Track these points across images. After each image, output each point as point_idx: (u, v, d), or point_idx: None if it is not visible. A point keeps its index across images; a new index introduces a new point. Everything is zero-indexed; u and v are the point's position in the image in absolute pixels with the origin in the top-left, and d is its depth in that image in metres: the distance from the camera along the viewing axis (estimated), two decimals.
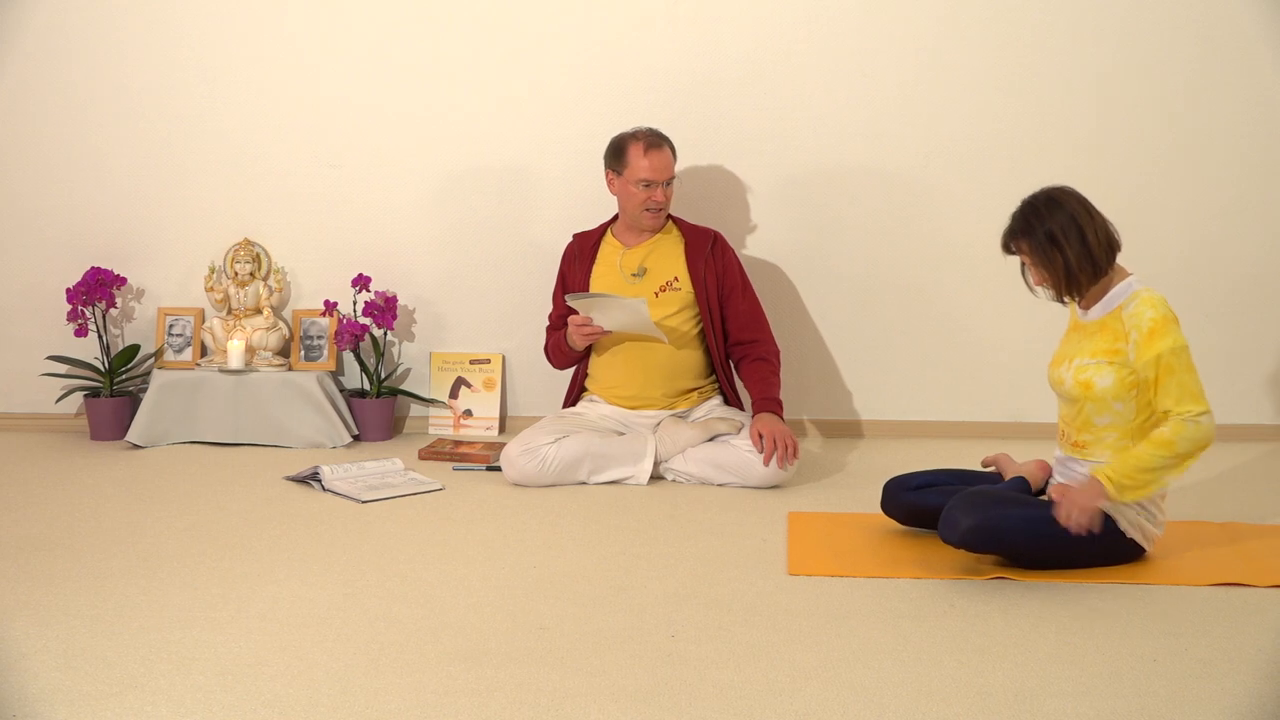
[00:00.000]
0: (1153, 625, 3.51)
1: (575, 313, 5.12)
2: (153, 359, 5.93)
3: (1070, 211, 3.90)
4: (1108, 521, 3.91)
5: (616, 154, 5.24)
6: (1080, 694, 3.06)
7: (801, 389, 5.87)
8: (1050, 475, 4.16)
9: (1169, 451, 3.81)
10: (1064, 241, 3.88)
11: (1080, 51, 5.75)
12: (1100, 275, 3.93)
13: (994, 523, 3.84)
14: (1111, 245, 3.94)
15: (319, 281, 5.98)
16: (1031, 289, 4.09)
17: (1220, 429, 5.72)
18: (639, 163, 5.17)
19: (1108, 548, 3.95)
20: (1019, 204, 4.00)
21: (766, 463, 4.92)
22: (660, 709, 2.95)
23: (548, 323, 5.46)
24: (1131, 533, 3.96)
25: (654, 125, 5.30)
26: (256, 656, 3.25)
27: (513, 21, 5.83)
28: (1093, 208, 3.94)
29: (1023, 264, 4.04)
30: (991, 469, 4.39)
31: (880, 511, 4.41)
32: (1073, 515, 3.81)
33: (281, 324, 5.89)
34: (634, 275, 5.24)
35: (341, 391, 5.89)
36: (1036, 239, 3.91)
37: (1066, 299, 4.03)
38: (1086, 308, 4.04)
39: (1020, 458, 4.38)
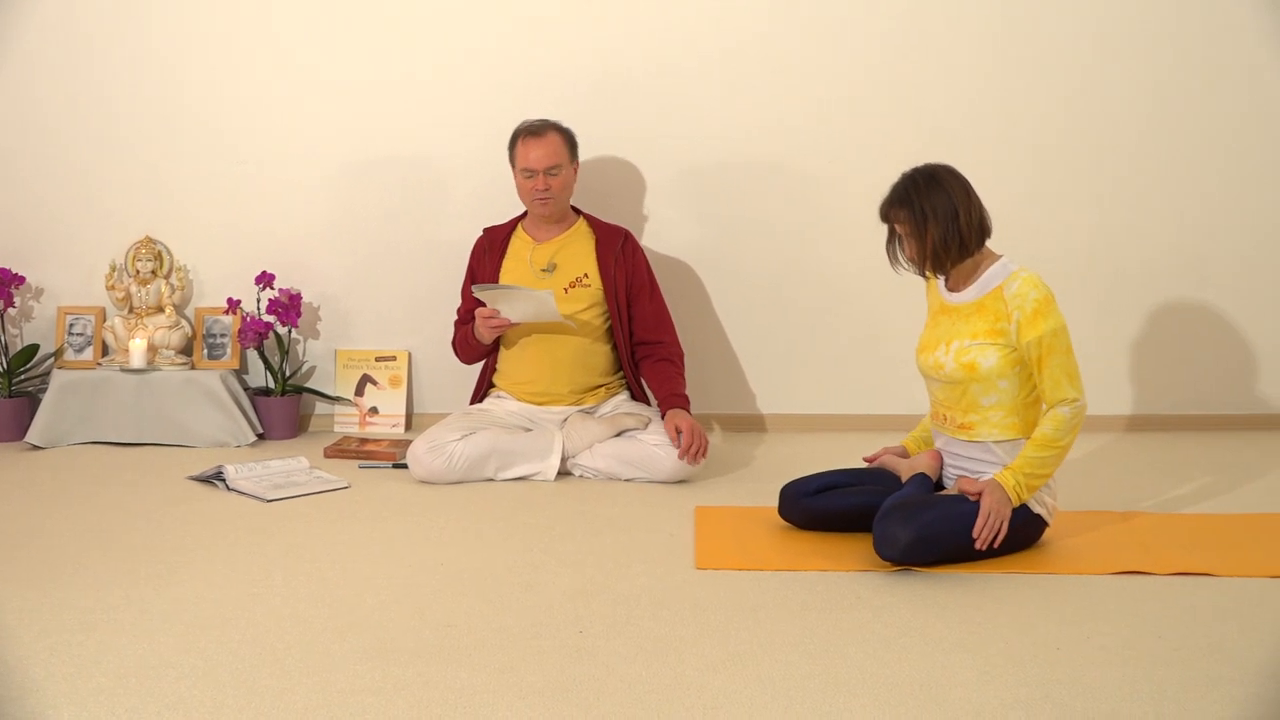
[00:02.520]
0: (1055, 614, 3.55)
1: (484, 306, 5.11)
2: (52, 359, 5.86)
3: (948, 190, 3.99)
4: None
5: (510, 147, 5.24)
6: (984, 682, 3.09)
7: (705, 384, 5.89)
8: (944, 464, 4.22)
9: (1054, 448, 3.95)
10: (938, 218, 3.97)
11: (990, 45, 5.83)
12: (966, 255, 4.03)
13: (930, 531, 3.88)
14: (983, 228, 4.04)
15: (222, 279, 5.93)
16: (896, 261, 4.16)
17: (1119, 419, 5.88)
18: (520, 152, 5.18)
19: (1021, 528, 4.02)
20: (900, 176, 4.08)
21: (681, 456, 4.94)
22: (568, 705, 2.96)
23: (456, 317, 5.44)
24: (1036, 508, 4.04)
25: (561, 119, 5.29)
26: (160, 658, 3.22)
27: (418, 15, 5.81)
28: (971, 189, 4.04)
29: (890, 235, 4.13)
30: (881, 468, 4.42)
31: None
32: (996, 531, 3.92)
33: (184, 322, 5.84)
34: (544, 270, 5.24)
35: (246, 390, 5.85)
36: (913, 211, 4.00)
37: (928, 274, 4.12)
38: (955, 289, 4.11)
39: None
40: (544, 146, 5.17)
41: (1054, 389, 3.94)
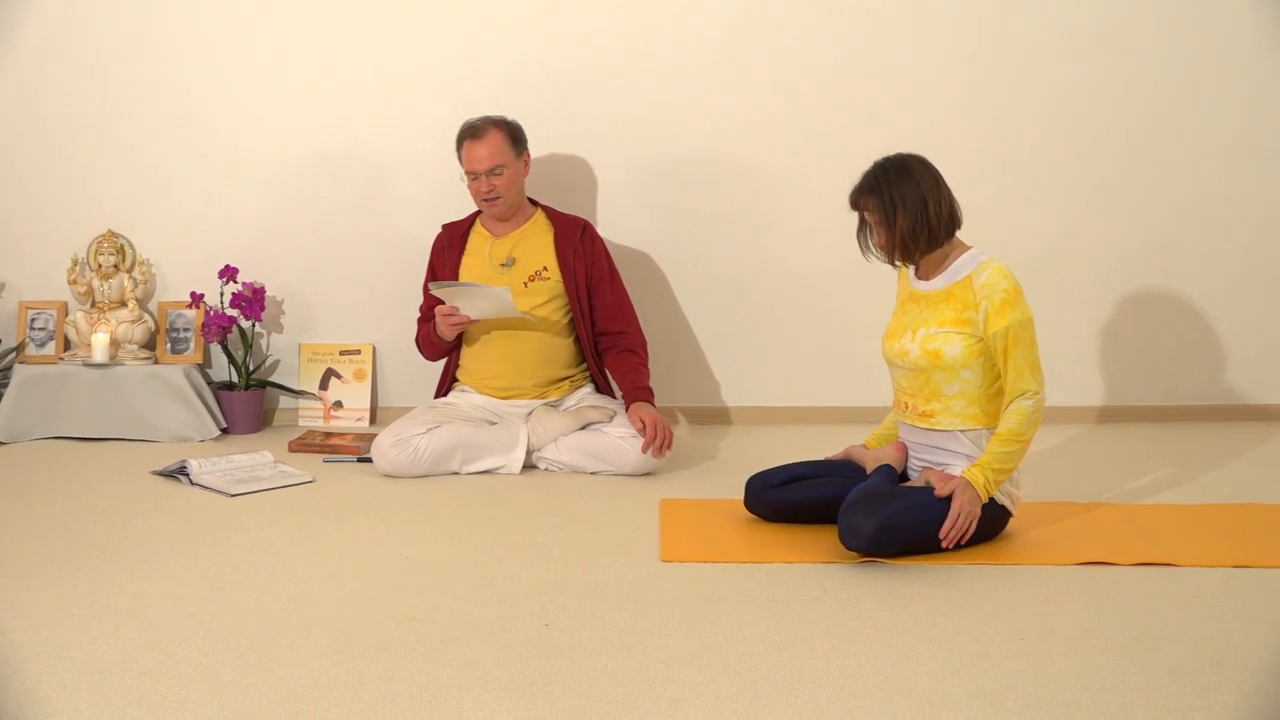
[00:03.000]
0: (1019, 604, 3.57)
1: (444, 303, 5.11)
2: (14, 354, 5.82)
3: (918, 180, 4.01)
4: None
5: (457, 148, 5.23)
6: (949, 673, 3.10)
7: (670, 377, 5.90)
8: (908, 455, 4.24)
9: (1019, 442, 3.98)
10: (907, 208, 3.99)
11: (953, 40, 5.85)
12: (935, 246, 4.05)
13: (894, 520, 3.88)
14: (953, 219, 4.06)
15: (185, 273, 5.90)
16: (866, 249, 4.17)
17: (1086, 410, 5.91)
18: (463, 155, 5.18)
19: (987, 518, 4.04)
20: (872, 164, 4.10)
21: (645, 450, 4.94)
22: (534, 698, 2.96)
23: (419, 314, 5.44)
24: (1001, 499, 4.06)
25: (516, 115, 5.27)
26: (124, 654, 3.21)
27: (378, 10, 5.80)
28: (941, 180, 4.05)
29: (860, 224, 4.15)
30: (846, 460, 4.43)
31: None
32: (965, 528, 3.95)
33: (147, 316, 5.81)
34: (503, 265, 5.23)
35: (209, 384, 5.83)
36: (883, 200, 4.01)
37: (898, 263, 4.13)
38: (925, 277, 4.13)
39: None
40: (485, 147, 5.13)
41: (1016, 380, 3.96)
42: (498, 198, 5.18)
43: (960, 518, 3.92)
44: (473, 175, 5.15)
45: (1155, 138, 5.95)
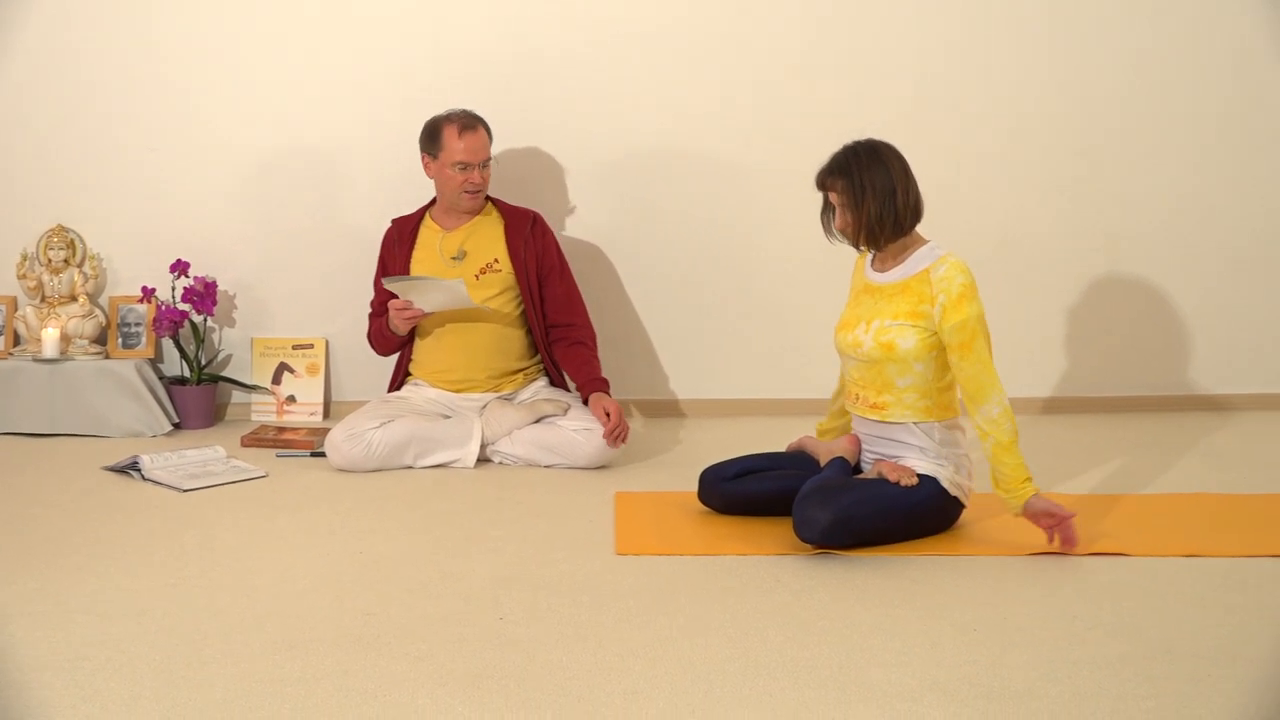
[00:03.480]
0: (971, 595, 3.59)
1: (396, 298, 5.10)
2: None
3: (888, 167, 4.03)
4: (934, 485, 4.04)
5: (432, 137, 5.21)
6: (902, 664, 3.12)
7: (622, 370, 5.89)
8: (861, 448, 4.25)
9: (1014, 448, 3.95)
10: (876, 193, 4.00)
11: (903, 34, 5.87)
12: (899, 235, 4.07)
13: (848, 512, 3.89)
14: (917, 210, 4.08)
15: (136, 267, 5.86)
16: (829, 232, 4.18)
17: (1034, 401, 5.95)
18: (454, 145, 5.15)
19: (939, 510, 4.08)
20: (842, 146, 4.10)
21: (606, 437, 4.94)
22: (489, 692, 2.96)
23: (370, 310, 5.42)
24: (954, 491, 4.08)
25: (471, 107, 5.27)
26: (76, 651, 3.19)
27: (329, 2, 5.77)
28: (909, 170, 4.07)
29: (825, 206, 4.15)
30: (800, 452, 4.44)
31: None
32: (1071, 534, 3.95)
33: (98, 311, 5.77)
34: (454, 258, 5.22)
35: (161, 379, 5.79)
36: (852, 182, 4.02)
37: (862, 247, 4.14)
38: (881, 269, 4.14)
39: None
40: (479, 140, 5.18)
41: (978, 376, 3.95)
42: (482, 190, 5.23)
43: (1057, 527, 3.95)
44: (464, 166, 5.15)
45: (1106, 130, 5.98)
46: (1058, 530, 3.94)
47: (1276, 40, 5.94)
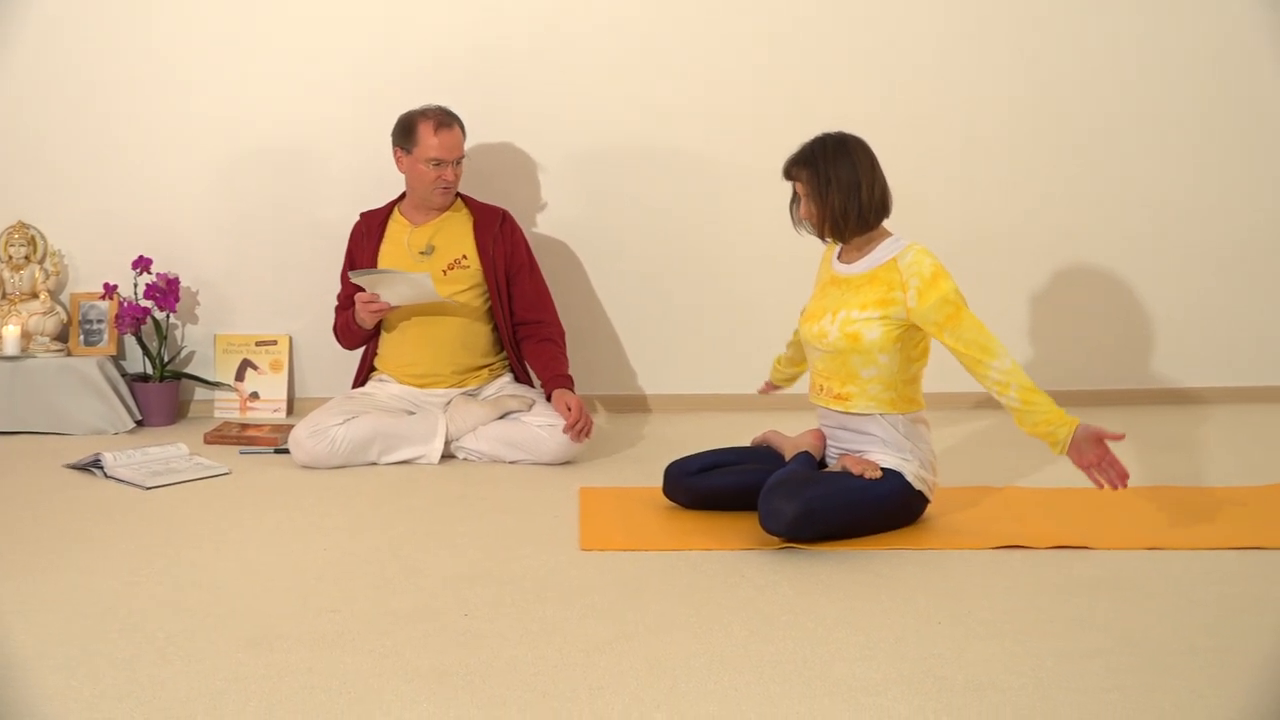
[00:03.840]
0: (935, 589, 3.60)
1: (363, 291, 5.09)
2: None
3: (855, 161, 4.05)
4: (898, 479, 4.05)
5: (405, 132, 5.19)
6: (867, 658, 3.13)
7: (588, 365, 5.89)
8: (826, 442, 4.26)
9: (1037, 388, 3.96)
10: (840, 186, 4.02)
11: (866, 28, 5.89)
12: (865, 229, 4.09)
13: (814, 505, 3.90)
14: (884, 205, 4.10)
15: (98, 264, 5.83)
16: (796, 222, 4.20)
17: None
18: (429, 141, 5.13)
19: (904, 505, 4.09)
20: (811, 138, 4.12)
21: (567, 430, 4.94)
22: (454, 688, 2.95)
23: (336, 303, 5.41)
24: (919, 485, 4.09)
25: (440, 102, 5.26)
26: (38, 650, 3.17)
27: None
28: (877, 165, 4.09)
29: (793, 196, 4.17)
30: (765, 447, 4.45)
31: None
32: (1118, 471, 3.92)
33: (59, 308, 5.74)
34: (422, 253, 5.21)
35: (123, 376, 5.76)
36: (816, 173, 4.04)
37: (827, 239, 4.16)
38: (848, 261, 4.15)
39: (801, 427, 4.45)
40: (454, 137, 5.17)
41: (976, 339, 3.96)
42: (454, 186, 5.22)
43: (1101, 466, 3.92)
44: (439, 163, 5.14)
45: (1068, 123, 6.01)
46: (1108, 465, 3.90)
47: (1260, 35, 5.98)
